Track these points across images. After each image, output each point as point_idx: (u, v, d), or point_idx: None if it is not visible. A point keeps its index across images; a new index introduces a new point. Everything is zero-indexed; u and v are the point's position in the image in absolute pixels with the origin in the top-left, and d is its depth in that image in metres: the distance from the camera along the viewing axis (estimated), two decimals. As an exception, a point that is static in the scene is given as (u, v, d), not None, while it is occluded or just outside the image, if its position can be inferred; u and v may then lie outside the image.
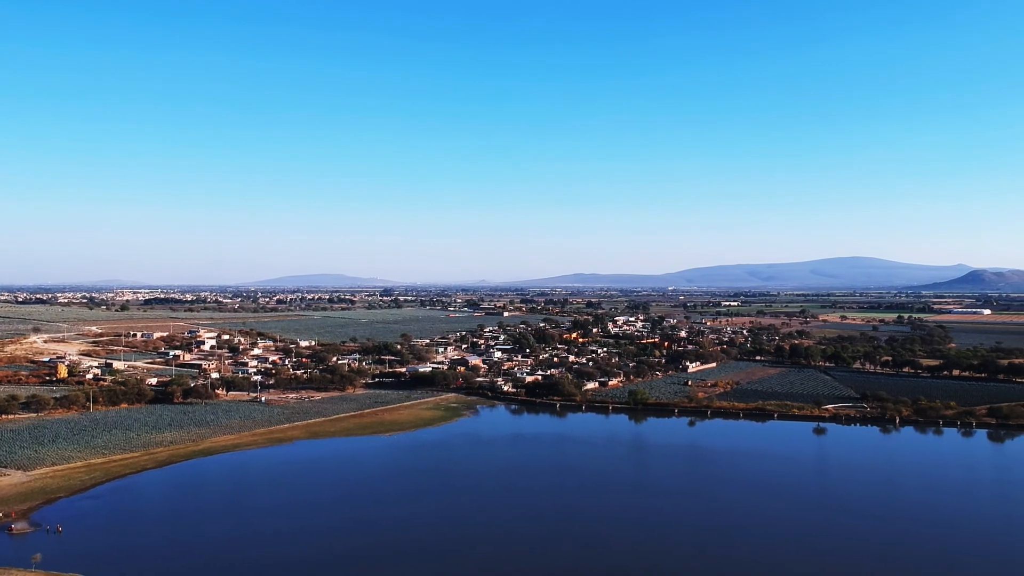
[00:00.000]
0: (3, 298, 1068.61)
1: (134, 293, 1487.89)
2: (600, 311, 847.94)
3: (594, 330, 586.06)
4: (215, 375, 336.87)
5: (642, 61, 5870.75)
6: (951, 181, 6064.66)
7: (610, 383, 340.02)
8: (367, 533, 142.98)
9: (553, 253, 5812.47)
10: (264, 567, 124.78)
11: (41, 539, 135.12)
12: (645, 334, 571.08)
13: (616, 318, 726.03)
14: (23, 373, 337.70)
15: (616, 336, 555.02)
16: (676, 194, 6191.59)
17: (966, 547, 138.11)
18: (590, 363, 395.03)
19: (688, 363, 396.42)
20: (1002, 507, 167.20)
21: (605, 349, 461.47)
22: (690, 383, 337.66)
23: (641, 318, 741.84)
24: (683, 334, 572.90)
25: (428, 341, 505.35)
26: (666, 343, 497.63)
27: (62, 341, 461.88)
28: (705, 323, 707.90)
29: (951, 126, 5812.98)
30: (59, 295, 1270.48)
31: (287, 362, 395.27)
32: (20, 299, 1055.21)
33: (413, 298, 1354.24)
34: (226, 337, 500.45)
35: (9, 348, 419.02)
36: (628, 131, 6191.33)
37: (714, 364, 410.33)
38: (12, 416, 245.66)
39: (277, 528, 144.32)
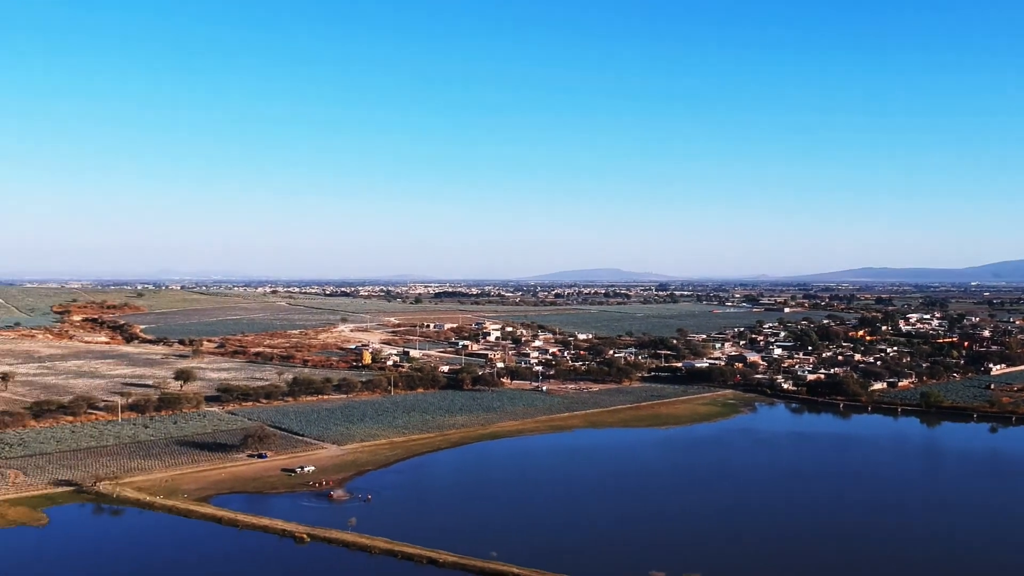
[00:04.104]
0: (313, 291, 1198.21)
1: (425, 287, 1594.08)
2: (890, 307, 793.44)
3: (883, 328, 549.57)
4: (500, 364, 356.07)
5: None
6: None
7: (900, 384, 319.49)
8: (650, 522, 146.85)
9: (838, 244, 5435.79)
10: (548, 549, 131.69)
11: (354, 505, 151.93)
12: (941, 333, 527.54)
13: (908, 315, 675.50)
14: (333, 359, 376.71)
15: (908, 335, 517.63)
16: (982, 180, 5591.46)
17: None
18: (878, 362, 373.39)
19: (991, 365, 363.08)
20: None
21: (895, 348, 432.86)
22: (993, 386, 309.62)
23: (937, 315, 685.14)
24: (986, 333, 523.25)
25: (704, 336, 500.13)
26: (966, 343, 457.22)
27: (365, 330, 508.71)
28: (1014, 322, 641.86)
29: None
30: (360, 288, 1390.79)
31: (566, 354, 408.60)
32: (327, 292, 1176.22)
33: (688, 292, 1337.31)
34: (509, 329, 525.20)
35: (322, 336, 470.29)
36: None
37: (1023, 367, 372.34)
38: (327, 396, 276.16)
39: (540, 512, 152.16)
